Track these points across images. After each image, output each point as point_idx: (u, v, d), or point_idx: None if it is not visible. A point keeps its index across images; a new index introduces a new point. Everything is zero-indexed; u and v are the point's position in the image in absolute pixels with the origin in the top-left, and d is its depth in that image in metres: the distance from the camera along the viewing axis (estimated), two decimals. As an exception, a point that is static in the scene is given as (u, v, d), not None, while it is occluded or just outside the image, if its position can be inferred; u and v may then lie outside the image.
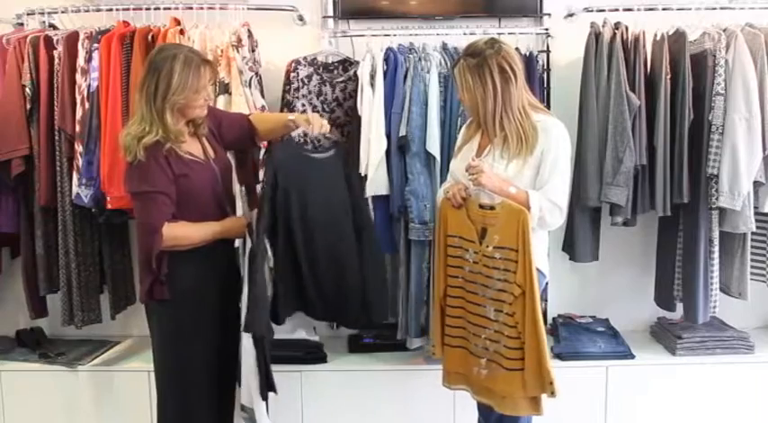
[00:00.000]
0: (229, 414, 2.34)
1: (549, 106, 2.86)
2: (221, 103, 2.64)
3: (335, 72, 2.91)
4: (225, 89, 2.65)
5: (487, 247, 2.19)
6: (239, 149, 2.53)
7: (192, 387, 2.21)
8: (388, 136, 2.70)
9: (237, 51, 2.71)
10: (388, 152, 2.70)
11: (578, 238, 2.84)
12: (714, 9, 2.76)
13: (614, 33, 2.72)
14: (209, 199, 2.22)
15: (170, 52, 2.14)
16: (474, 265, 2.24)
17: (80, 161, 2.71)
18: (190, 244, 2.16)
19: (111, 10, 2.81)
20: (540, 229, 2.22)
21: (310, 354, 2.87)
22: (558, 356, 2.84)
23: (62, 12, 2.88)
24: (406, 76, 2.72)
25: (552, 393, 2.12)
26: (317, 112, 2.85)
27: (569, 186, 2.24)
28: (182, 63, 2.11)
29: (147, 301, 2.21)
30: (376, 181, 2.68)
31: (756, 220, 2.67)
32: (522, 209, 2.11)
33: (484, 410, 2.45)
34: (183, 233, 2.14)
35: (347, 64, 2.91)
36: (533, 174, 2.20)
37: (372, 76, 2.72)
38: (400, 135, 2.68)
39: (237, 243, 2.29)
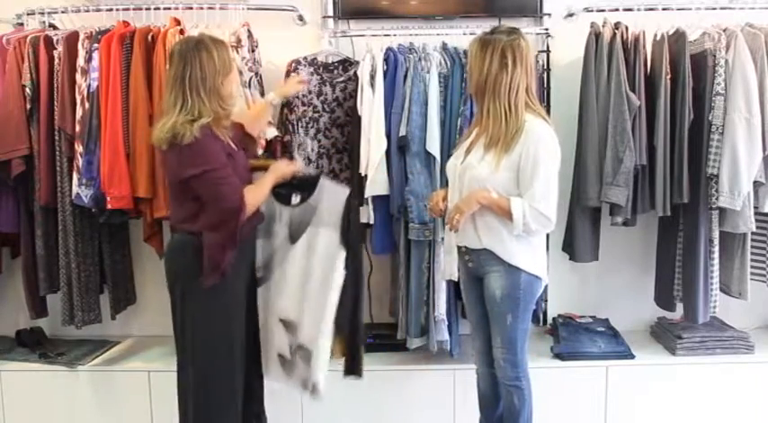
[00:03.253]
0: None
1: (549, 106, 2.86)
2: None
3: (335, 72, 2.91)
4: (225, 89, 2.65)
5: None
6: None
7: (235, 363, 2.25)
8: (388, 136, 2.69)
9: (237, 52, 2.70)
10: (388, 152, 2.69)
11: (578, 238, 2.84)
12: (714, 9, 2.76)
13: (614, 33, 2.71)
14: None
15: (192, 41, 2.18)
16: None
17: (80, 161, 2.71)
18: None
19: (111, 10, 2.81)
20: (528, 235, 2.18)
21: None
22: (558, 356, 2.84)
23: (62, 12, 2.89)
24: (405, 76, 2.72)
25: None
26: (318, 112, 2.86)
27: (556, 193, 2.18)
28: (212, 44, 2.16)
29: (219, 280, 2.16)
30: (376, 181, 2.68)
31: (756, 220, 2.67)
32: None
33: (485, 410, 2.45)
34: (254, 199, 2.21)
35: (347, 64, 2.91)
36: (511, 176, 2.16)
37: (372, 76, 2.72)
38: (400, 135, 2.68)
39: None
